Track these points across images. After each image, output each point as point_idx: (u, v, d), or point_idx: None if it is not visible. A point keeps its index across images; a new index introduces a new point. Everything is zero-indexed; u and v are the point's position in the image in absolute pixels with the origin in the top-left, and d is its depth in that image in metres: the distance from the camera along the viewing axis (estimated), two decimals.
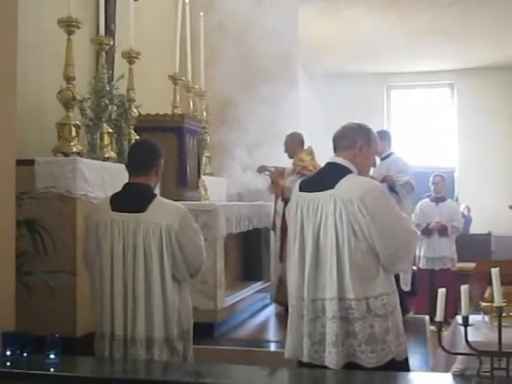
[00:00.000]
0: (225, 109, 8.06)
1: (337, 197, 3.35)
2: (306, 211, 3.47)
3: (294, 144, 7.16)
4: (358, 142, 3.56)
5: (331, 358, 3.27)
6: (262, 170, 7.39)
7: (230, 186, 7.89)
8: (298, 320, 3.48)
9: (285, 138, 7.21)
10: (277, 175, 7.15)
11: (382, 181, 7.07)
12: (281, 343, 5.59)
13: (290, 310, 3.60)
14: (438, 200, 9.13)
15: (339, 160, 3.53)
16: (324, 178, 3.52)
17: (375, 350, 3.29)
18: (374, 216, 3.31)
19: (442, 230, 8.86)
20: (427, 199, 9.21)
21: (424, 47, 11.94)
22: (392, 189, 7.04)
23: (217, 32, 8.03)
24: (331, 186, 3.40)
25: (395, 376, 3.13)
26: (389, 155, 7.53)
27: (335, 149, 3.59)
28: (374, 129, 3.81)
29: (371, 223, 3.30)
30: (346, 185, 3.40)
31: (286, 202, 6.85)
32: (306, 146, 7.20)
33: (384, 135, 7.49)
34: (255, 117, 7.72)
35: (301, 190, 3.58)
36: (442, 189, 9.24)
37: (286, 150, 7.20)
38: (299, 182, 3.69)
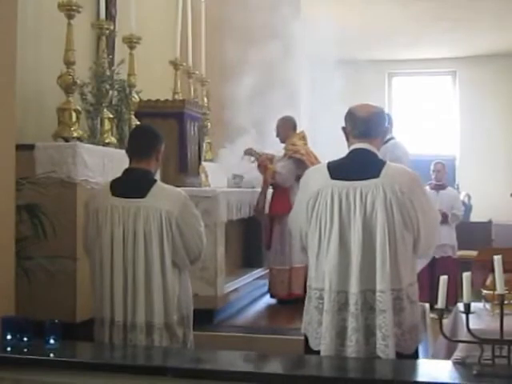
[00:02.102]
0: (224, 88, 7.99)
1: (385, 186, 3.28)
2: (346, 200, 3.32)
3: (287, 128, 6.95)
4: (384, 129, 3.56)
5: (388, 351, 3.19)
6: (248, 152, 7.12)
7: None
8: (335, 315, 3.31)
9: (276, 122, 7.00)
10: (264, 158, 6.92)
11: None
12: (280, 330, 5.62)
13: (315, 303, 3.42)
14: (439, 188, 9.10)
15: (369, 147, 3.44)
16: (361, 166, 3.40)
17: (412, 337, 3.32)
18: (420, 206, 3.31)
19: (443, 218, 8.83)
20: (427, 187, 9.18)
21: (426, 34, 11.89)
22: None
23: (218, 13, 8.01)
24: (376, 175, 3.31)
25: (396, 363, 3.13)
26: (388, 140, 7.41)
27: (362, 134, 3.46)
28: None
29: (419, 214, 3.29)
30: (391, 174, 3.33)
31: (274, 186, 6.82)
32: (298, 131, 7.04)
33: None
34: (256, 98, 7.66)
35: (332, 177, 3.41)
36: (443, 176, 9.21)
37: (278, 135, 6.99)
38: (325, 168, 3.49)
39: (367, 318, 3.26)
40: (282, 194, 6.66)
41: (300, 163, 6.63)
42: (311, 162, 6.72)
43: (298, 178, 6.74)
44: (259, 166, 6.93)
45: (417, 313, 3.36)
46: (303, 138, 6.99)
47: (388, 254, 3.24)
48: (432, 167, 9.22)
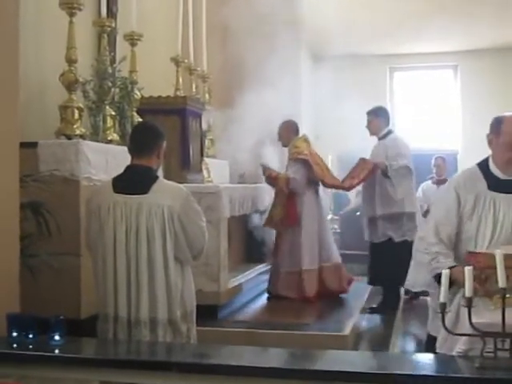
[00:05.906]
0: (227, 89, 8.00)
1: None
2: None
3: (289, 131, 6.98)
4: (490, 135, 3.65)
5: None
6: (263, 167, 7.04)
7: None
8: None
9: (279, 126, 7.03)
10: (270, 171, 6.88)
11: (375, 167, 6.98)
12: (283, 325, 5.63)
13: None
14: (440, 182, 9.07)
15: None
16: None
17: None
18: None
19: None
20: (429, 181, 9.17)
21: (427, 28, 11.84)
22: (385, 174, 6.97)
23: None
24: None
25: (398, 357, 3.15)
26: (386, 135, 7.28)
27: None
28: None
29: None
30: None
31: (290, 192, 6.77)
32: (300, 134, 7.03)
33: (380, 112, 7.31)
34: (258, 100, 7.66)
35: None
36: (444, 171, 9.17)
37: (280, 138, 7.02)
38: None
39: None
40: (292, 206, 6.70)
41: (307, 164, 6.66)
42: (316, 163, 6.76)
43: (308, 182, 6.80)
44: (267, 178, 6.89)
45: None
46: (306, 140, 6.97)
47: None
48: (432, 162, 9.20)
